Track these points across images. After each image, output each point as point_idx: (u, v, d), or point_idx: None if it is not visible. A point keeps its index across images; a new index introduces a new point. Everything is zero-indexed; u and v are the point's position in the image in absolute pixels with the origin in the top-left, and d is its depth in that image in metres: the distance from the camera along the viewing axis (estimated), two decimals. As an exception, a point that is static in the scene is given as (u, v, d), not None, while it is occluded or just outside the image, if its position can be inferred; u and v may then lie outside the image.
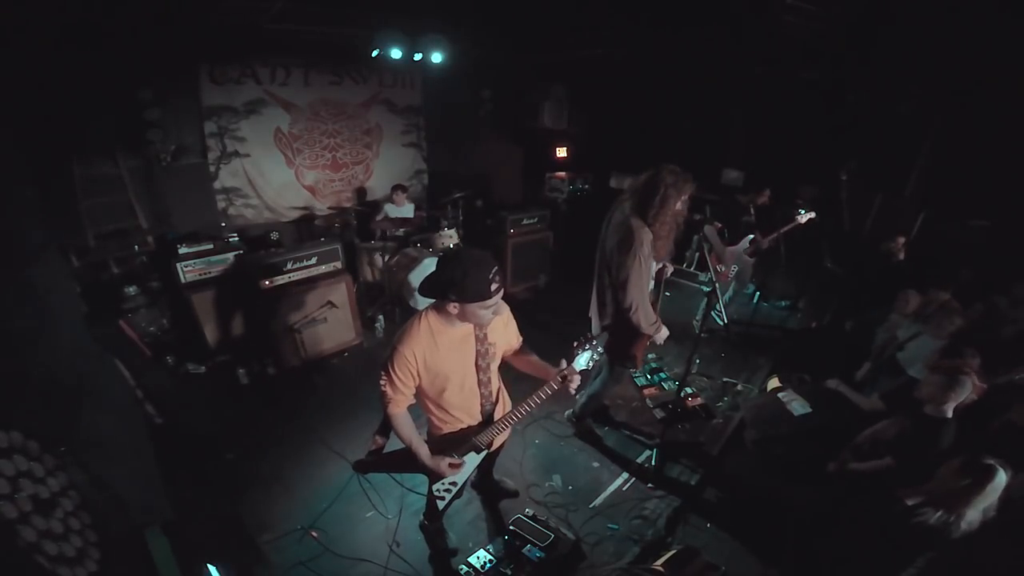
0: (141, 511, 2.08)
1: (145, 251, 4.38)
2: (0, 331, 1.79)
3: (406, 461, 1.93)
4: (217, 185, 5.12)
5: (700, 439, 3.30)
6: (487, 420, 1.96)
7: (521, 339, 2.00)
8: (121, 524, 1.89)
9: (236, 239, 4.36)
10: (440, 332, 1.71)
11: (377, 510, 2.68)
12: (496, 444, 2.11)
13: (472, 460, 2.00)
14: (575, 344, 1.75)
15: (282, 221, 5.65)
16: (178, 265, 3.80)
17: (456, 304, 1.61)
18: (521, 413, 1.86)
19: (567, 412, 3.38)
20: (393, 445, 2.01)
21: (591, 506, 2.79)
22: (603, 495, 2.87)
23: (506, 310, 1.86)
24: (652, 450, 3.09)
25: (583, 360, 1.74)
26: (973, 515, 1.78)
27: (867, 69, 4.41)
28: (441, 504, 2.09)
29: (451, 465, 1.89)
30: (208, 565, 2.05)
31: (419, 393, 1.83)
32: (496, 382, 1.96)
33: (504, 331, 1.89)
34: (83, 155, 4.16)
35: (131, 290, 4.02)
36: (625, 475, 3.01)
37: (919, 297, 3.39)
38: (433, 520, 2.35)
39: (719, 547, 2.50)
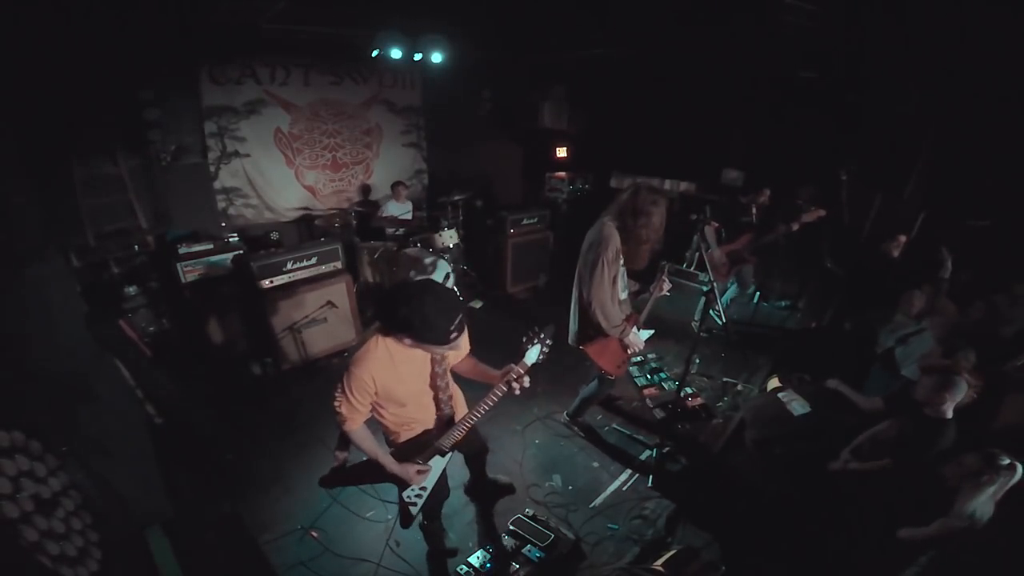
0: (141, 511, 2.08)
1: (145, 251, 4.38)
2: (0, 331, 1.80)
3: (371, 471, 1.92)
4: (217, 185, 5.12)
5: (700, 439, 3.30)
6: (447, 423, 1.94)
7: (469, 348, 1.96)
8: (122, 524, 1.89)
9: (236, 239, 4.36)
10: (398, 353, 1.66)
11: (378, 513, 2.68)
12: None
13: (438, 464, 1.99)
14: (524, 340, 1.72)
15: (282, 221, 5.65)
16: (178, 265, 3.80)
17: (410, 340, 1.56)
18: (479, 414, 1.83)
19: (564, 412, 3.38)
20: (356, 458, 2.00)
21: (591, 506, 2.79)
22: (603, 495, 2.87)
23: None
24: (652, 450, 3.09)
25: (533, 355, 1.72)
26: (988, 507, 1.81)
27: (867, 69, 4.40)
28: (414, 510, 2.06)
29: (419, 472, 1.89)
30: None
31: (375, 407, 1.80)
32: (451, 386, 1.95)
33: (462, 345, 1.85)
34: (83, 155, 4.16)
35: (131, 290, 4.02)
36: (625, 475, 3.01)
37: (923, 297, 3.41)
38: (431, 521, 2.35)
39: (719, 547, 2.50)
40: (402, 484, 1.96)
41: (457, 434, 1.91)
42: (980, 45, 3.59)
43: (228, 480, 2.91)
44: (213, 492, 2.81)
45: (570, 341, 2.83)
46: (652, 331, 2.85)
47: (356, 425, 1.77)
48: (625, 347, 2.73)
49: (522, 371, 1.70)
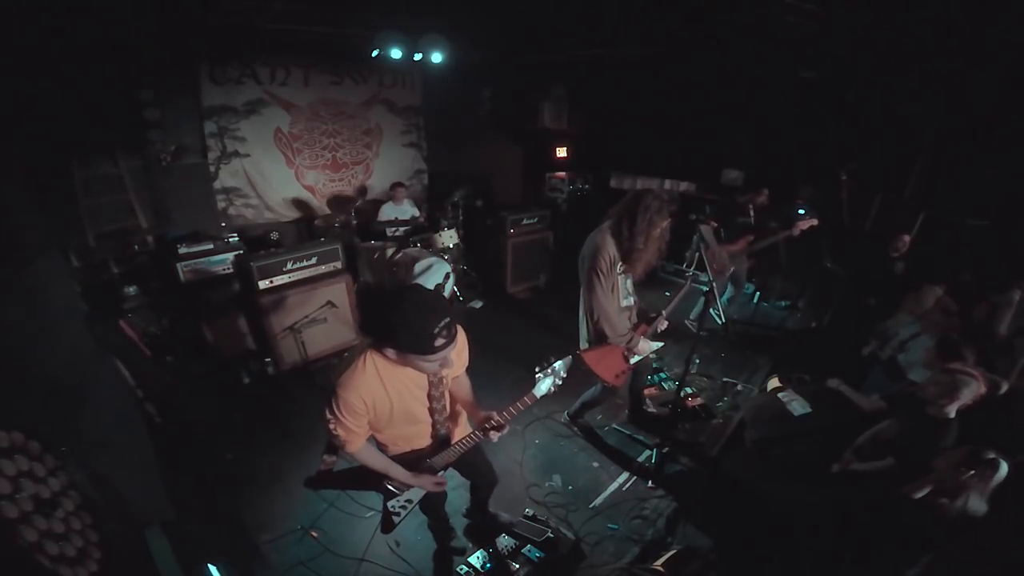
0: (141, 511, 2.08)
1: (145, 251, 4.38)
2: (0, 331, 1.79)
3: (358, 479, 1.84)
4: (217, 185, 5.12)
5: (700, 439, 3.30)
6: (443, 442, 1.82)
7: (466, 364, 1.80)
8: (121, 524, 1.89)
9: (236, 239, 4.36)
10: (388, 372, 1.50)
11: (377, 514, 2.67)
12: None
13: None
14: (536, 370, 1.61)
15: (282, 221, 5.65)
16: (178, 265, 3.80)
17: (393, 351, 1.39)
18: (472, 440, 1.74)
19: (564, 413, 3.38)
20: (343, 464, 1.97)
21: (591, 506, 2.79)
22: (603, 495, 2.87)
23: (461, 340, 1.56)
24: (652, 450, 3.09)
25: (544, 386, 1.61)
26: (978, 504, 1.82)
27: (867, 69, 4.40)
28: (396, 520, 1.97)
29: (437, 483, 1.79)
30: (208, 565, 2.05)
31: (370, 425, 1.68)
32: (448, 402, 1.77)
33: (457, 361, 1.63)
34: (83, 155, 4.16)
35: (131, 290, 4.02)
36: (625, 475, 3.01)
37: (921, 296, 3.41)
38: (437, 521, 2.33)
39: (718, 547, 2.50)
40: (388, 495, 1.88)
41: (451, 456, 1.82)
42: (980, 44, 3.59)
43: (228, 480, 2.91)
44: (213, 492, 2.81)
45: (581, 347, 2.81)
46: (662, 343, 2.83)
47: (358, 446, 1.63)
48: (627, 357, 2.69)
49: (502, 420, 1.63)
